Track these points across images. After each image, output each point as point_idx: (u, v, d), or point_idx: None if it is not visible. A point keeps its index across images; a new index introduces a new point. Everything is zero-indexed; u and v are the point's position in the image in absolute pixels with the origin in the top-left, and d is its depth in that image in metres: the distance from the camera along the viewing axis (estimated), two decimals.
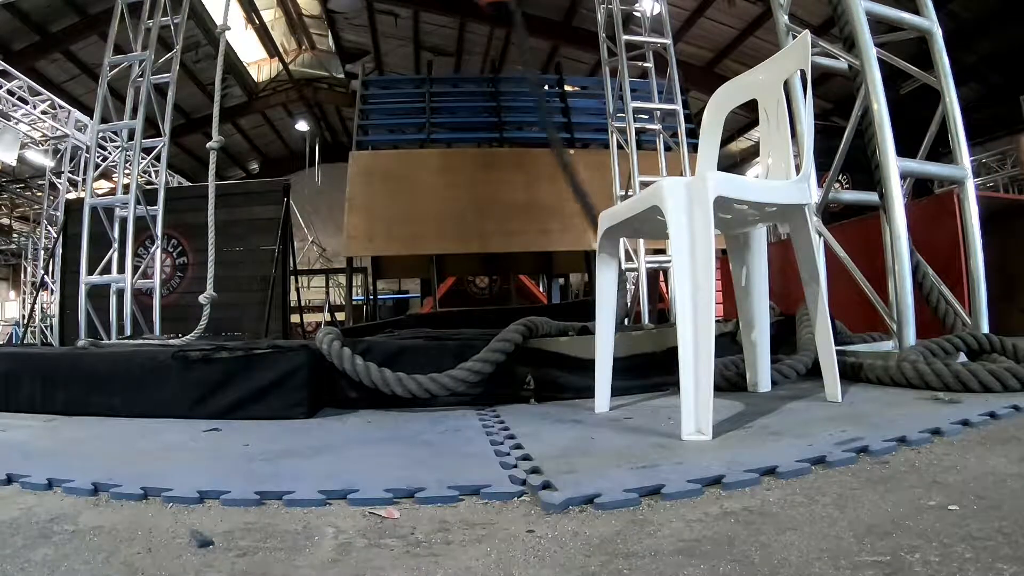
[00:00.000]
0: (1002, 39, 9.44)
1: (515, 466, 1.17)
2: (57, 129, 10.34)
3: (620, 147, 5.16)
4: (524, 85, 8.48)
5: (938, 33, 2.40)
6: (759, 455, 1.14)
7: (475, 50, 13.88)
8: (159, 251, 4.14)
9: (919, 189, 4.02)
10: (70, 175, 10.58)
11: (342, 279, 12.03)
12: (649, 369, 2.08)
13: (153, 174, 7.66)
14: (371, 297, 8.70)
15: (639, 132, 5.13)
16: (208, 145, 3.64)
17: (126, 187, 4.11)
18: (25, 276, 14.85)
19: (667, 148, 5.42)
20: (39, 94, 9.86)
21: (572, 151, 7.01)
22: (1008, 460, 1.04)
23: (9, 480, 1.20)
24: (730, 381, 1.99)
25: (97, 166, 4.90)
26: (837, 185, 2.50)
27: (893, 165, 2.16)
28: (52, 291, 10.11)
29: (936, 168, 2.38)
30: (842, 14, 2.27)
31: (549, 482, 1.02)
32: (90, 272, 4.06)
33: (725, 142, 8.97)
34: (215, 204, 3.66)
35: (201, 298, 3.59)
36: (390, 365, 1.95)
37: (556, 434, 1.46)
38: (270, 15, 15.02)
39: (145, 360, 2.04)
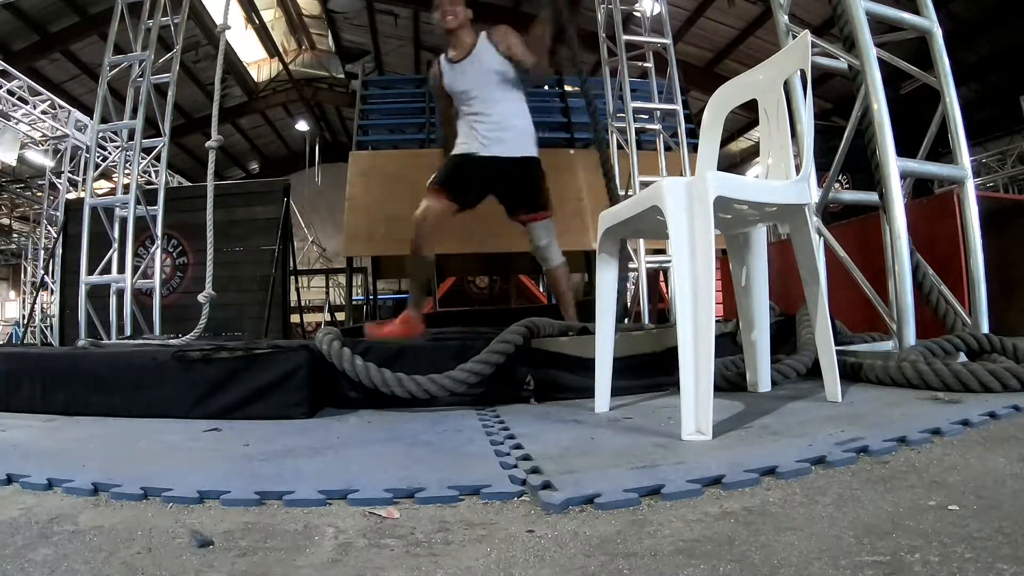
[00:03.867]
0: (1002, 39, 9.45)
1: (515, 466, 1.17)
2: (57, 129, 10.33)
3: (620, 147, 5.16)
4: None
5: (938, 33, 2.40)
6: (759, 455, 1.14)
7: None
8: (159, 251, 4.15)
9: (919, 189, 4.02)
10: (70, 175, 10.57)
11: (342, 279, 12.02)
12: (649, 369, 2.09)
13: (153, 174, 7.66)
14: (371, 297, 8.70)
15: (639, 132, 5.13)
16: (207, 144, 3.64)
17: (126, 187, 4.11)
18: (25, 276, 14.84)
19: (667, 148, 5.42)
20: (39, 94, 9.86)
21: (572, 151, 7.01)
22: (1008, 460, 1.04)
23: (9, 480, 1.20)
24: (730, 381, 1.99)
25: (97, 166, 4.90)
26: (837, 185, 2.50)
27: (893, 165, 2.16)
28: (52, 291, 10.10)
29: (936, 168, 2.38)
30: (842, 14, 2.27)
31: (549, 482, 1.02)
32: (90, 272, 4.07)
33: (725, 142, 8.95)
34: (215, 204, 3.66)
35: (200, 297, 3.58)
36: (390, 365, 1.95)
37: (556, 434, 1.46)
38: (270, 15, 15.02)
39: (145, 360, 2.04)
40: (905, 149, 2.22)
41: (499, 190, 2.89)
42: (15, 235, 17.05)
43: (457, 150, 2.89)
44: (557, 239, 2.92)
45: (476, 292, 9.78)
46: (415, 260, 2.83)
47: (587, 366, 1.84)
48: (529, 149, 2.86)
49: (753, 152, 14.67)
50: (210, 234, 3.61)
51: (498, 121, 2.82)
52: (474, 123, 2.84)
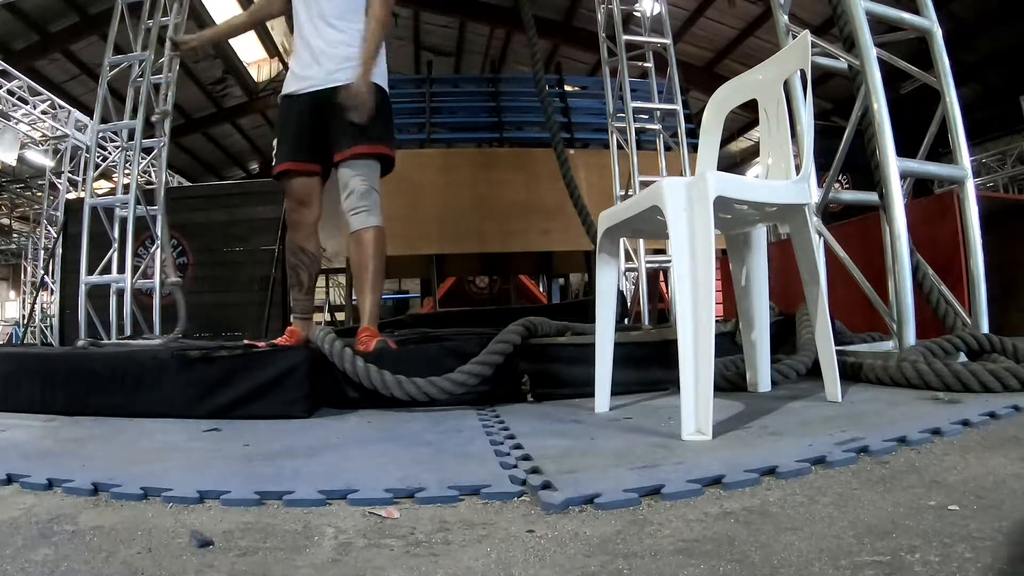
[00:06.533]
0: (1002, 39, 9.45)
1: (515, 466, 1.17)
2: (57, 129, 10.35)
3: (620, 147, 5.16)
4: (524, 85, 8.49)
5: (938, 33, 2.40)
6: (759, 455, 1.14)
7: (475, 50, 13.88)
8: (159, 251, 4.15)
9: (919, 189, 4.02)
10: (70, 175, 10.59)
11: (342, 279, 12.01)
12: (649, 365, 2.09)
13: (153, 174, 7.65)
14: None
15: (639, 132, 5.13)
16: (152, 118, 3.55)
17: (126, 187, 4.12)
18: (25, 276, 14.85)
19: (667, 148, 5.42)
20: (39, 94, 9.87)
21: (572, 151, 7.01)
22: (1008, 460, 1.04)
23: (9, 480, 1.19)
24: (730, 381, 1.99)
25: (97, 166, 4.90)
26: (837, 185, 2.50)
27: (893, 165, 2.16)
28: (52, 291, 10.12)
29: (936, 168, 2.38)
30: (842, 14, 2.27)
31: (549, 482, 1.02)
32: (90, 272, 4.07)
33: (725, 142, 8.95)
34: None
35: (168, 282, 3.54)
36: (388, 366, 1.95)
37: (556, 434, 1.46)
38: None
39: (145, 360, 2.04)
40: (905, 149, 2.21)
41: (317, 132, 2.46)
42: (15, 235, 17.07)
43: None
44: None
45: (476, 292, 9.78)
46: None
47: (586, 357, 1.83)
48: (343, 77, 2.36)
49: (753, 152, 14.67)
50: (162, 224, 3.50)
51: (319, 47, 2.40)
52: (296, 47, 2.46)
